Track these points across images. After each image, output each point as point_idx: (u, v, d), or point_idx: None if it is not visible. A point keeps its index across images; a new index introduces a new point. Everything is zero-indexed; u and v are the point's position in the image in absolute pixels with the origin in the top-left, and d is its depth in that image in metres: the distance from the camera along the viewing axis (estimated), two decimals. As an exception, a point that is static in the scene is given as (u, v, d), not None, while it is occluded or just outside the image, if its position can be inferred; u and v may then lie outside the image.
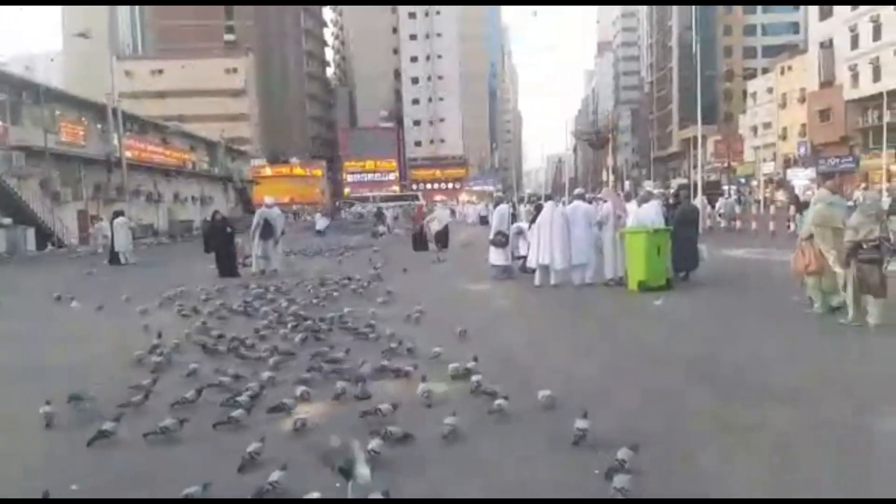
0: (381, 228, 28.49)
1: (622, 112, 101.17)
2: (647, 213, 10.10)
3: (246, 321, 8.40)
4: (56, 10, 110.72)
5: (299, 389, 4.86)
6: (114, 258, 18.18)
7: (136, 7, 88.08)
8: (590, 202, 11.21)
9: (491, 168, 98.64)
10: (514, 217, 13.23)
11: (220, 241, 13.65)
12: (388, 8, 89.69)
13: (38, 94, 29.01)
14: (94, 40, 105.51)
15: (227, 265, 13.36)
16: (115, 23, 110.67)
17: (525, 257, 11.78)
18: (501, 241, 11.57)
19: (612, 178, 55.59)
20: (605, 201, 11.07)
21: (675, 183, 36.49)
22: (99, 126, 34.48)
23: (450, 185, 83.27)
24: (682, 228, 10.30)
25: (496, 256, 11.76)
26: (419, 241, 19.48)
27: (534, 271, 10.68)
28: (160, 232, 39.32)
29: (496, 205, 12.58)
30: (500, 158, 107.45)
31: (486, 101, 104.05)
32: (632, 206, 11.64)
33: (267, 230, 13.71)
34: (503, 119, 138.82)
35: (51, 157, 29.50)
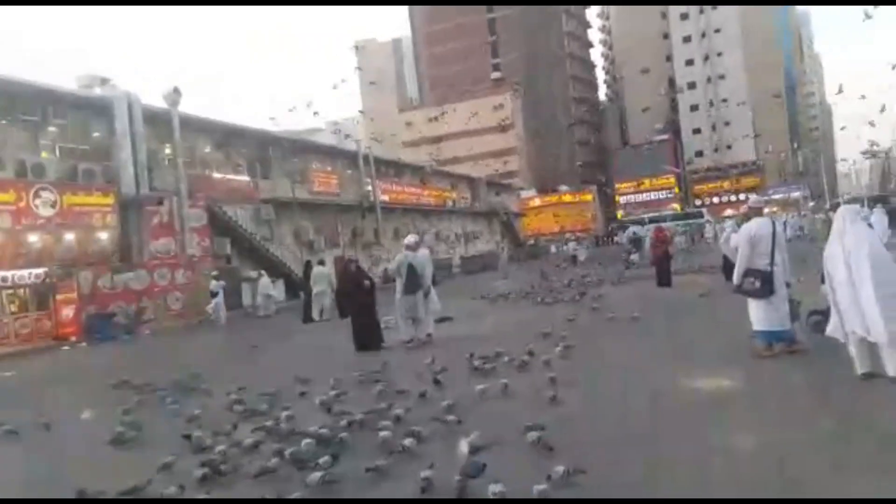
0: (635, 257, 22.94)
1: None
2: None
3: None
4: (356, 80, 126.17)
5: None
6: (308, 315, 16.15)
7: (416, 61, 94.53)
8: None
9: (795, 172, 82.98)
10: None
11: (356, 301, 9.97)
12: (658, 12, 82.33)
13: (285, 149, 30.12)
14: (386, 98, 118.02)
15: (366, 335, 9.68)
16: (403, 80, 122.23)
17: (822, 313, 6.00)
18: (753, 287, 5.95)
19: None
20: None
21: None
22: (350, 172, 35.16)
23: (742, 197, 71.30)
24: None
25: (759, 315, 6.06)
26: (663, 275, 13.87)
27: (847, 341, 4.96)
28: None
29: (743, 220, 6.78)
30: (806, 161, 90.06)
31: (781, 96, 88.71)
32: None
33: (412, 281, 9.75)
34: (807, 115, 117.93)
35: (304, 207, 30.35)
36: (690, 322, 8.98)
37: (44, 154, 20.57)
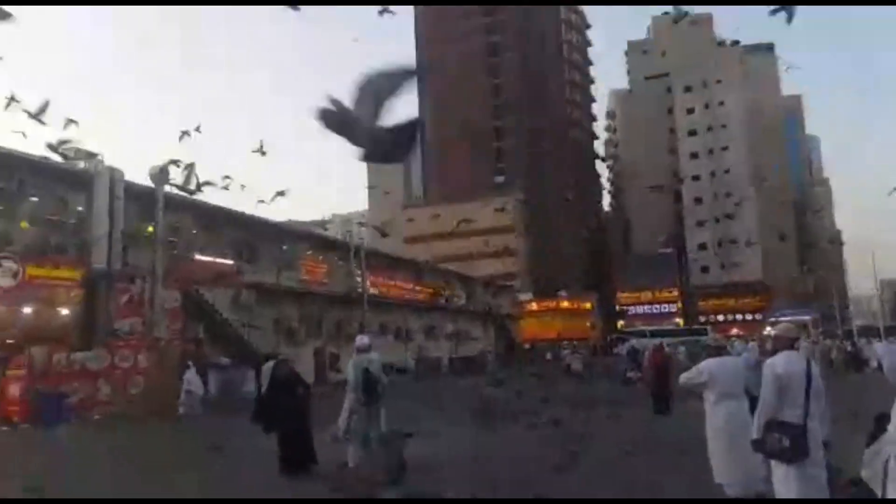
0: (634, 374, 21.31)
1: None
2: None
3: None
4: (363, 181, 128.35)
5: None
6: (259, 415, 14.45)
7: (422, 162, 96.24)
8: None
9: (805, 295, 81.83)
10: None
11: (286, 410, 8.30)
12: (665, 128, 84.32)
13: (275, 235, 29.32)
14: (393, 196, 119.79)
15: (295, 449, 8.09)
16: (409, 178, 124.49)
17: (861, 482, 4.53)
18: (781, 446, 4.41)
19: None
20: None
21: None
22: (341, 263, 34.20)
23: (748, 317, 69.98)
24: None
25: (787, 486, 4.49)
26: (660, 400, 12.33)
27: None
28: (407, 370, 36.84)
29: (774, 349, 4.94)
30: (816, 283, 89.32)
31: (790, 218, 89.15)
32: None
33: (371, 391, 8.20)
34: (818, 238, 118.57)
35: (288, 294, 29.14)
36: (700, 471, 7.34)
37: (23, 224, 19.64)
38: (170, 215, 23.32)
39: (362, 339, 8.88)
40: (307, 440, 8.29)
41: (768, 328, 62.44)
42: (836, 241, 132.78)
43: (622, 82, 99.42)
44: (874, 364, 25.25)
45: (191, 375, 17.65)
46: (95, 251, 18.96)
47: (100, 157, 19.97)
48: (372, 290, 35.47)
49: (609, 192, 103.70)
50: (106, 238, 18.98)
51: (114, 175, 19.64)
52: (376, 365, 8.70)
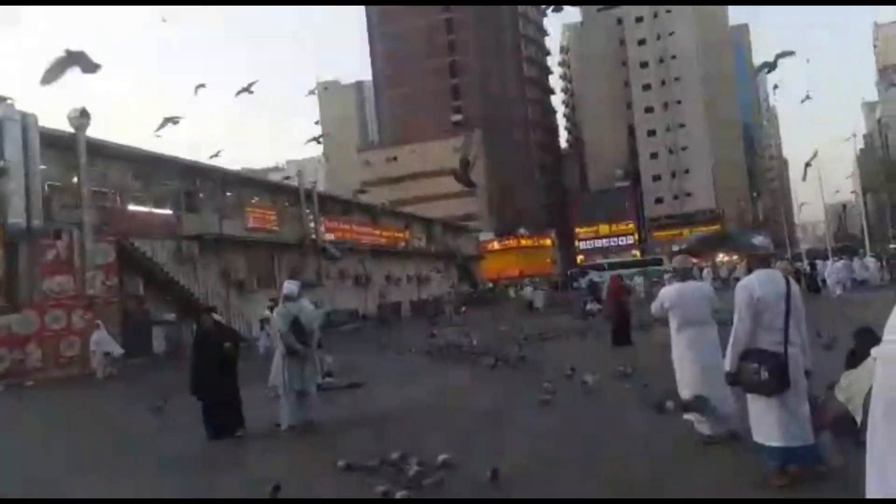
0: (593, 306, 21.00)
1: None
2: None
3: None
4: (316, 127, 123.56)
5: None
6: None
7: (376, 103, 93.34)
8: None
9: (754, 221, 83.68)
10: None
11: (211, 370, 7.32)
12: (618, 61, 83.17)
13: (216, 181, 27.71)
14: (348, 139, 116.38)
15: (222, 415, 7.26)
16: (365, 122, 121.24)
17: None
18: (758, 378, 3.72)
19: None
20: None
21: None
22: (293, 209, 32.81)
23: (702, 245, 71.20)
24: None
25: (766, 422, 3.88)
26: (620, 332, 11.92)
27: None
28: (368, 316, 36.08)
29: (749, 268, 4.37)
30: (765, 209, 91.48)
31: (740, 147, 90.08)
32: None
33: (300, 338, 7.44)
34: (765, 166, 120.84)
35: (236, 244, 27.81)
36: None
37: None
38: (99, 164, 21.71)
39: (290, 287, 7.99)
40: (233, 403, 7.46)
41: (721, 255, 63.80)
42: (782, 167, 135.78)
43: (574, 15, 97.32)
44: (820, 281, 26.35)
45: (99, 336, 16.48)
46: (12, 206, 17.34)
47: (9, 101, 18.11)
48: (328, 236, 34.33)
49: (566, 128, 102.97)
50: (22, 191, 17.34)
51: (26, 120, 17.81)
52: (308, 314, 7.86)
